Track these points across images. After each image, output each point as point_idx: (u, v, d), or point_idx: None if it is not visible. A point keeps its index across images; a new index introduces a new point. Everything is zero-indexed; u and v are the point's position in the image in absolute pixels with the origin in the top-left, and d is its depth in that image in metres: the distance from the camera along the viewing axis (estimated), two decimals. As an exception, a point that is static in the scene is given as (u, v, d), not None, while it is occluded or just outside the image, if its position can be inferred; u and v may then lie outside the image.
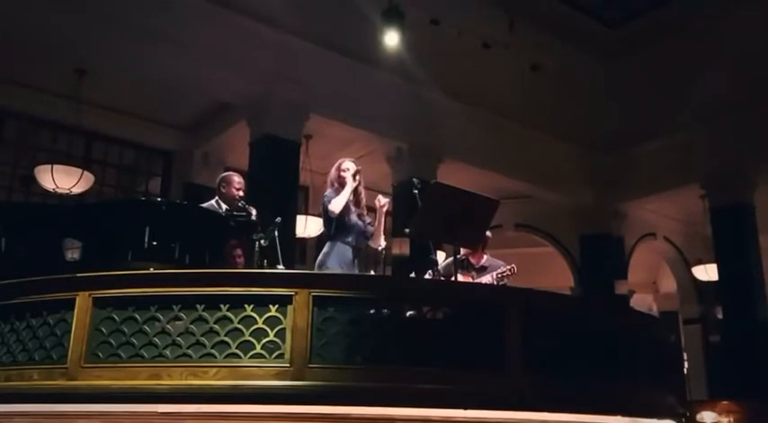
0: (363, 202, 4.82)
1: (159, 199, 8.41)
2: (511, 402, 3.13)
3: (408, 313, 3.43)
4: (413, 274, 5.61)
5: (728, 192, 10.02)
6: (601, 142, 11.10)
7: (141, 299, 3.17)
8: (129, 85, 8.51)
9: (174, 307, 3.13)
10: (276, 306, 3.10)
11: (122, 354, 3.11)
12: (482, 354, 3.22)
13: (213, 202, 5.14)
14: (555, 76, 10.23)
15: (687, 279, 12.66)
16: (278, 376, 2.99)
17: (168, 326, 3.10)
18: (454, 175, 8.52)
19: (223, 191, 5.17)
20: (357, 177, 4.70)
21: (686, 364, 12.49)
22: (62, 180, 7.78)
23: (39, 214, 4.79)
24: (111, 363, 3.10)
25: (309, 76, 8.24)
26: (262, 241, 4.71)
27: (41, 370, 3.21)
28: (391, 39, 7.91)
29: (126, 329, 3.13)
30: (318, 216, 6.23)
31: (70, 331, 3.18)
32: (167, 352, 3.06)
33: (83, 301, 3.21)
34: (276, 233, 4.79)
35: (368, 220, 4.81)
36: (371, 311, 3.25)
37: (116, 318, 3.16)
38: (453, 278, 4.53)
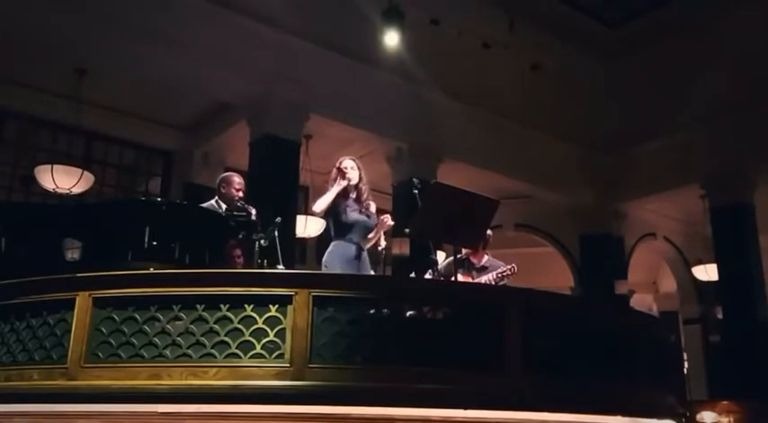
0: (366, 197, 4.78)
1: (159, 199, 8.42)
2: (511, 402, 3.13)
3: (408, 313, 3.43)
4: (413, 274, 5.61)
5: (728, 192, 10.02)
6: (601, 142, 11.10)
7: (141, 299, 3.18)
8: (129, 85, 8.52)
9: (174, 307, 3.13)
10: (276, 306, 3.10)
11: (122, 354, 3.11)
12: (482, 354, 3.21)
13: (213, 202, 5.15)
14: (555, 76, 10.24)
15: (687, 279, 12.66)
16: (278, 376, 2.99)
17: (168, 326, 3.10)
18: (454, 175, 8.52)
19: (223, 191, 5.17)
20: (349, 175, 4.69)
21: (686, 364, 12.48)
22: (62, 180, 7.78)
23: (39, 214, 4.79)
24: (111, 363, 3.10)
25: (309, 76, 8.24)
26: (262, 241, 4.71)
27: (41, 370, 3.21)
28: (391, 39, 7.91)
29: (126, 329, 3.13)
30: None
31: (70, 331, 3.18)
32: (167, 352, 3.06)
33: (83, 301, 3.21)
34: (276, 233, 4.79)
35: (374, 217, 4.79)
36: (371, 311, 3.25)
37: (116, 318, 3.16)
38: (453, 278, 4.52)
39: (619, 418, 3.48)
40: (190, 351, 3.05)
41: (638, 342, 3.80)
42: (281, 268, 4.72)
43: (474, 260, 5.58)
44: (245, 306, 3.10)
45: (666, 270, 13.50)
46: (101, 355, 3.13)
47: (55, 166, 7.79)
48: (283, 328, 3.06)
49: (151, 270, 3.68)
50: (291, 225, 7.69)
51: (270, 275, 3.52)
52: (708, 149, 10.11)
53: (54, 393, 3.11)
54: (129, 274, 3.43)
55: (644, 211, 11.84)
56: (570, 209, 11.38)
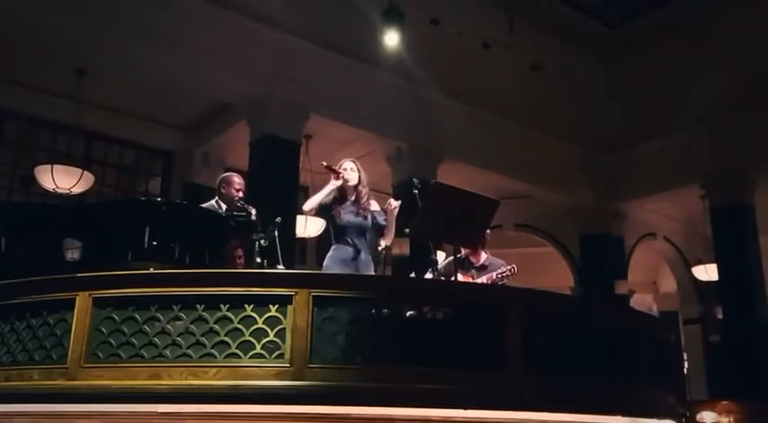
0: (365, 200, 4.78)
1: (159, 199, 8.42)
2: (511, 402, 3.13)
3: (408, 313, 3.43)
4: (413, 274, 5.60)
5: (728, 192, 10.02)
6: (601, 142, 11.10)
7: (141, 299, 3.17)
8: (129, 85, 8.52)
9: (174, 307, 3.13)
10: (276, 306, 3.09)
11: (122, 354, 3.10)
12: (482, 354, 3.21)
13: (213, 202, 5.15)
14: (555, 76, 10.24)
15: (687, 279, 12.66)
16: (278, 376, 2.99)
17: (168, 326, 3.10)
18: (454, 175, 8.53)
19: (223, 191, 5.18)
20: (348, 176, 4.71)
21: (686, 364, 12.49)
22: (62, 180, 7.78)
23: (39, 214, 4.79)
24: (111, 363, 3.10)
25: (309, 76, 8.24)
26: (262, 241, 4.71)
27: (41, 370, 3.21)
28: (391, 39, 7.91)
29: (126, 329, 3.13)
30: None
31: (70, 331, 3.18)
32: (167, 352, 3.06)
33: (83, 301, 3.21)
34: (276, 233, 4.79)
35: (379, 216, 4.79)
36: (371, 311, 3.25)
37: (116, 318, 3.16)
38: (453, 278, 4.52)
39: (619, 418, 3.48)
40: (190, 351, 3.05)
41: (638, 342, 3.80)
42: (281, 268, 4.73)
43: (473, 260, 5.57)
44: (245, 306, 3.10)
45: (666, 270, 13.50)
46: (101, 355, 3.13)
47: (55, 166, 7.79)
48: (283, 328, 3.06)
49: (151, 270, 3.68)
50: (291, 225, 7.69)
51: (270, 275, 3.52)
52: (708, 149, 10.11)
53: (54, 393, 3.11)
54: (129, 274, 3.43)
55: (644, 211, 11.84)
56: (570, 209, 11.38)
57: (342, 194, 4.74)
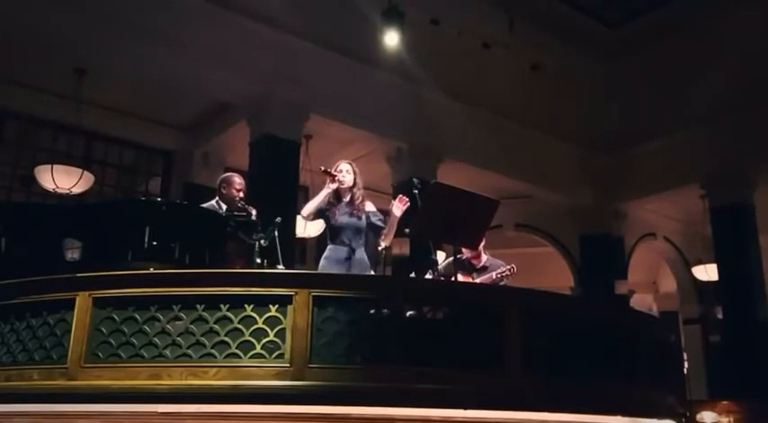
0: (360, 201, 4.80)
1: (159, 199, 8.41)
2: (511, 402, 3.13)
3: (408, 313, 3.42)
4: (413, 274, 5.61)
5: (728, 192, 10.02)
6: (601, 142, 11.09)
7: (141, 299, 3.18)
8: (129, 85, 8.52)
9: (174, 307, 3.13)
10: (276, 306, 3.10)
11: (122, 354, 3.11)
12: (482, 354, 3.22)
13: (213, 202, 5.16)
14: (555, 76, 10.23)
15: (687, 279, 12.66)
16: (278, 376, 2.99)
17: (168, 326, 3.10)
18: (454, 175, 8.52)
19: (223, 191, 5.18)
20: (343, 178, 4.74)
21: (686, 364, 12.48)
22: (62, 180, 7.78)
23: (39, 214, 4.79)
24: (111, 363, 3.10)
25: (309, 76, 8.23)
26: (262, 241, 4.71)
27: (41, 370, 3.21)
28: (391, 39, 7.91)
29: (126, 329, 3.13)
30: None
31: (70, 331, 3.18)
32: (167, 352, 3.06)
33: (83, 301, 3.21)
34: (276, 233, 4.79)
35: (374, 216, 4.80)
36: (371, 311, 3.25)
37: (116, 318, 3.16)
38: (453, 278, 4.52)
39: (619, 418, 3.48)
40: (190, 351, 3.05)
41: (638, 342, 3.80)
42: (281, 268, 4.73)
43: (473, 261, 5.57)
44: (245, 306, 3.10)
45: (666, 270, 13.50)
46: (101, 355, 3.13)
47: (55, 166, 7.79)
48: (283, 328, 3.06)
49: (151, 270, 3.68)
50: (291, 225, 7.68)
51: (270, 275, 3.52)
52: (708, 149, 10.11)
53: (54, 393, 3.11)
54: (129, 274, 3.43)
55: (644, 211, 11.84)
56: (570, 209, 11.38)
57: (337, 196, 4.79)
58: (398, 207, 4.63)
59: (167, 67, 7.81)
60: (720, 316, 10.95)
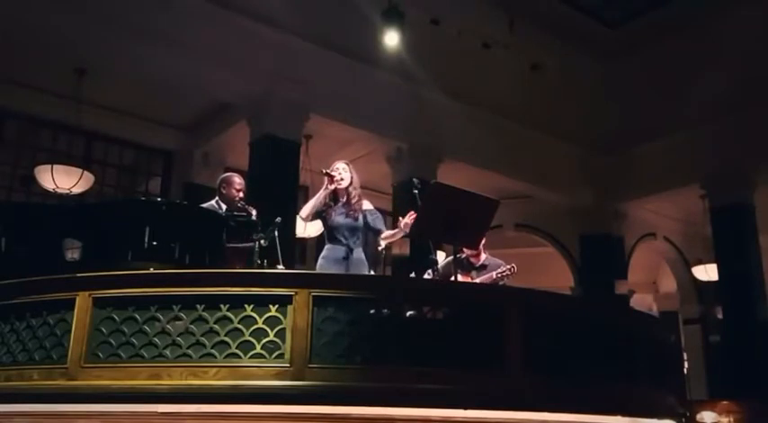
0: (356, 201, 4.80)
1: (159, 199, 8.41)
2: (511, 402, 3.13)
3: (408, 313, 3.43)
4: (413, 274, 5.61)
5: (728, 192, 10.02)
6: (601, 142, 11.09)
7: (141, 299, 3.18)
8: (129, 85, 8.51)
9: (174, 307, 3.13)
10: (276, 306, 3.10)
11: (122, 354, 3.11)
12: (482, 354, 3.22)
13: (213, 202, 5.16)
14: (555, 76, 10.23)
15: (687, 279, 12.66)
16: (278, 376, 2.99)
17: (168, 326, 3.10)
18: (454, 175, 8.52)
19: (223, 191, 5.18)
20: (337, 177, 4.75)
21: (686, 364, 12.48)
22: (62, 180, 7.78)
23: (39, 214, 4.79)
24: (111, 363, 3.10)
25: (309, 76, 8.23)
26: (262, 241, 4.72)
27: (41, 370, 3.21)
28: (391, 39, 7.90)
29: (126, 329, 3.13)
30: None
31: (70, 331, 3.18)
32: (167, 352, 3.06)
33: (83, 301, 3.21)
34: (276, 233, 4.80)
35: (371, 215, 4.80)
36: (371, 311, 3.25)
37: (116, 318, 3.16)
38: (453, 278, 4.53)
39: (619, 418, 3.48)
40: (190, 351, 3.05)
41: (638, 342, 3.80)
42: (281, 268, 4.73)
43: (473, 259, 5.58)
44: (245, 306, 3.10)
45: (666, 270, 13.50)
46: (101, 355, 3.13)
47: (55, 166, 7.79)
48: (283, 328, 3.06)
49: (151, 270, 3.68)
50: (291, 225, 7.68)
51: (270, 275, 3.52)
52: (708, 149, 10.11)
53: (54, 393, 3.11)
54: (129, 274, 3.43)
55: (644, 211, 11.84)
56: (570, 209, 11.38)
57: (334, 196, 4.80)
58: (407, 224, 4.63)
59: (167, 67, 7.81)
60: (720, 316, 10.95)
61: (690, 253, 12.49)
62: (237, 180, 5.22)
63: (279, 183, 8.03)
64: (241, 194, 5.14)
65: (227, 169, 8.10)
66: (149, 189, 9.95)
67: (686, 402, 9.45)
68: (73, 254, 4.30)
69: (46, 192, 8.00)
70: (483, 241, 5.45)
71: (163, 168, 9.98)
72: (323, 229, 4.90)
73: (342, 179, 4.78)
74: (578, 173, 11.04)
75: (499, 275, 5.38)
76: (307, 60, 8.26)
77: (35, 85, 8.39)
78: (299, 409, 2.99)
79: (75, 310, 3.20)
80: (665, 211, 12.18)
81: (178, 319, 3.11)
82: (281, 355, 3.02)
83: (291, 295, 3.09)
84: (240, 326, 3.07)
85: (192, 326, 3.09)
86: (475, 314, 3.34)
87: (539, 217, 11.85)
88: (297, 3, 8.12)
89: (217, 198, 5.19)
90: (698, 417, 9.06)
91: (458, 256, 4.84)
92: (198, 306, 3.11)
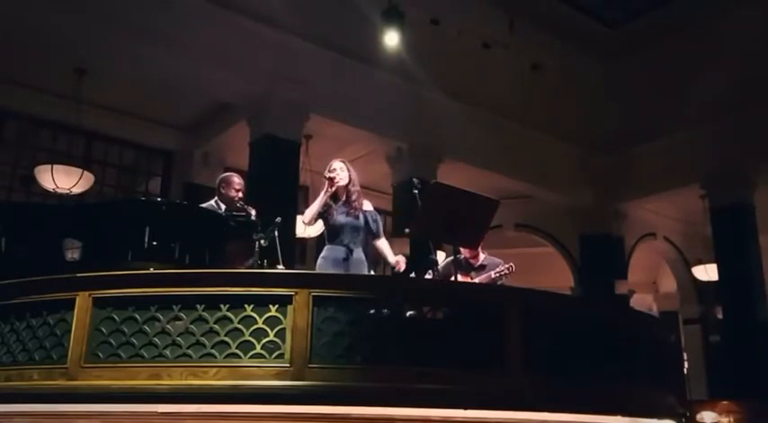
0: (356, 199, 4.78)
1: (159, 199, 8.41)
2: (511, 402, 3.13)
3: (408, 313, 3.42)
4: (413, 274, 5.61)
5: (728, 192, 10.02)
6: (601, 142, 11.10)
7: (141, 299, 3.17)
8: (129, 85, 8.51)
9: (174, 307, 3.13)
10: (276, 306, 3.09)
11: (122, 354, 3.10)
12: (482, 354, 3.21)
13: (213, 202, 5.15)
14: (555, 76, 10.24)
15: (687, 279, 12.66)
16: (278, 376, 2.99)
17: (168, 326, 3.10)
18: (454, 175, 8.52)
19: (223, 191, 5.17)
20: (338, 176, 4.72)
21: (686, 364, 12.48)
22: (62, 180, 7.78)
23: (39, 214, 4.79)
24: (111, 363, 3.10)
25: (309, 76, 8.24)
26: (262, 241, 4.71)
27: (41, 370, 3.21)
28: (391, 39, 7.91)
29: (126, 329, 3.13)
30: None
31: (70, 331, 3.18)
32: (167, 352, 3.06)
33: (83, 301, 3.21)
34: (276, 233, 4.79)
35: (371, 216, 4.80)
36: (371, 311, 3.25)
37: (116, 318, 3.16)
38: (453, 278, 4.52)
39: (619, 418, 3.48)
40: (190, 351, 3.05)
41: (638, 342, 3.80)
42: (281, 268, 4.73)
43: (472, 260, 5.57)
44: (245, 306, 3.10)
45: (666, 270, 13.50)
46: (101, 355, 3.13)
47: (55, 166, 7.79)
48: (283, 328, 3.06)
49: (151, 270, 3.67)
50: (291, 225, 7.68)
51: (270, 275, 3.52)
52: (708, 149, 10.11)
53: (54, 393, 3.11)
54: (129, 274, 3.43)
55: (644, 211, 11.84)
56: (570, 209, 11.38)
57: (334, 195, 4.76)
58: (398, 263, 4.71)
59: (167, 67, 7.81)
60: (720, 316, 10.95)
61: (690, 253, 12.49)
62: (237, 180, 5.21)
63: (279, 183, 8.03)
64: (240, 194, 5.12)
65: (227, 169, 8.10)
66: (149, 189, 9.96)
67: (686, 402, 9.45)
68: (73, 254, 4.30)
69: (46, 192, 8.00)
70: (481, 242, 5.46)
71: (163, 168, 9.98)
72: (323, 228, 4.89)
73: (340, 179, 4.76)
74: (578, 173, 11.05)
75: (497, 275, 5.37)
76: (307, 60, 8.26)
77: (35, 85, 8.39)
78: (299, 409, 2.98)
79: (75, 310, 3.20)
80: (665, 211, 12.19)
81: (178, 319, 3.11)
82: (281, 355, 3.02)
83: (291, 295, 3.09)
84: (240, 326, 3.07)
85: (191, 326, 3.09)
86: (475, 314, 3.34)
87: (539, 217, 11.85)
88: (297, 3, 8.12)
89: (216, 198, 5.18)
90: (698, 417, 9.06)
91: (457, 256, 4.84)
92: (198, 306, 3.11)
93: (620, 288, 11.16)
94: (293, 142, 8.32)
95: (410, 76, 8.85)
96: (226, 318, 3.08)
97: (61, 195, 7.86)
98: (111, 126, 9.14)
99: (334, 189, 4.71)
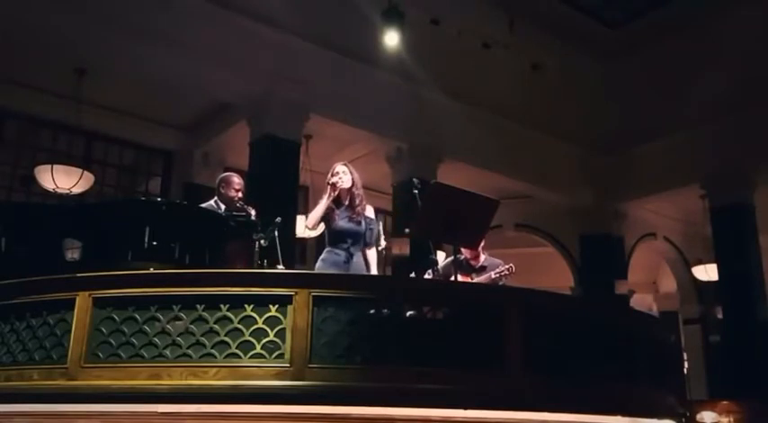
0: (359, 202, 4.74)
1: (159, 199, 8.41)
2: (511, 402, 3.13)
3: (408, 313, 3.42)
4: (413, 274, 5.60)
5: (728, 192, 10.02)
6: (601, 142, 11.10)
7: (141, 299, 3.17)
8: (129, 85, 8.51)
9: (174, 307, 3.13)
10: (276, 306, 3.09)
11: (122, 354, 3.10)
12: (482, 354, 3.21)
13: (212, 202, 5.14)
14: (555, 77, 10.24)
15: (687, 279, 12.66)
16: (278, 376, 2.99)
17: (168, 326, 3.10)
18: (454, 175, 8.52)
19: (222, 191, 5.17)
20: (341, 180, 4.68)
21: (686, 364, 12.48)
22: (62, 180, 7.77)
23: (39, 214, 4.79)
24: (111, 363, 3.10)
25: (309, 76, 8.24)
26: (262, 241, 4.71)
27: (41, 370, 3.21)
28: (391, 39, 7.91)
29: (126, 329, 3.13)
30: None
31: (70, 331, 3.18)
32: (167, 352, 3.06)
33: (83, 301, 3.21)
34: (276, 233, 4.79)
35: (371, 225, 4.77)
36: (371, 311, 3.25)
37: (116, 318, 3.16)
38: (453, 278, 4.52)
39: (619, 418, 3.47)
40: (190, 351, 3.05)
41: (638, 342, 3.80)
42: (281, 268, 4.72)
43: (472, 261, 5.57)
44: (245, 306, 3.09)
45: (666, 270, 13.50)
46: (101, 355, 3.13)
47: (55, 166, 7.79)
48: (283, 328, 3.05)
49: (151, 270, 3.67)
50: (291, 225, 7.68)
51: (270, 275, 3.52)
52: (708, 149, 10.12)
53: (54, 393, 3.11)
54: (129, 274, 3.43)
55: (644, 211, 11.84)
56: (570, 209, 11.38)
57: (336, 199, 4.72)
58: None
59: (167, 67, 7.81)
60: (720, 316, 10.95)
61: (690, 253, 12.50)
62: (236, 180, 5.20)
63: (279, 183, 8.03)
64: (240, 194, 5.12)
65: (227, 169, 8.11)
66: (149, 189, 9.95)
67: (686, 402, 9.46)
68: (73, 254, 4.30)
69: (46, 192, 8.00)
70: (482, 243, 5.46)
71: (163, 168, 9.98)
72: (323, 229, 4.87)
73: (343, 182, 4.71)
74: (578, 173, 11.05)
75: (497, 275, 5.37)
76: (307, 60, 8.26)
77: (35, 85, 8.39)
78: (299, 409, 2.98)
79: (75, 310, 3.20)
80: (665, 211, 12.19)
81: (178, 319, 3.11)
82: (281, 355, 3.02)
83: (291, 295, 3.09)
84: (240, 326, 3.07)
85: (191, 326, 3.09)
86: (475, 314, 3.33)
87: (539, 217, 11.85)
88: (297, 3, 8.12)
89: (216, 198, 5.17)
90: (698, 417, 9.06)
91: (457, 256, 4.83)
92: (198, 306, 3.11)
93: (620, 288, 11.16)
94: (293, 142, 8.32)
95: (410, 76, 8.85)
96: (226, 318, 3.08)
97: (61, 195, 7.86)
98: (111, 126, 9.14)
99: (336, 193, 4.69)
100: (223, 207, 5.08)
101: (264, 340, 3.04)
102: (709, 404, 9.51)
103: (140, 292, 3.19)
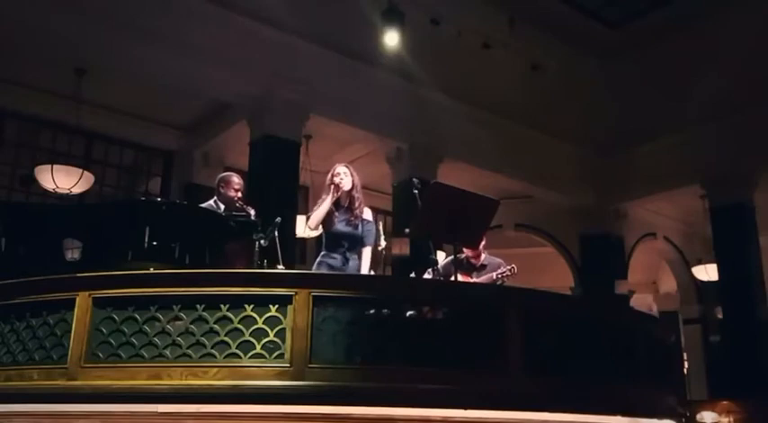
0: (358, 205, 4.73)
1: (159, 199, 8.41)
2: (511, 402, 3.13)
3: (408, 313, 3.42)
4: (413, 274, 5.60)
5: (728, 192, 10.03)
6: (601, 142, 11.10)
7: (141, 299, 3.17)
8: (129, 85, 8.51)
9: (174, 307, 3.13)
10: (276, 306, 3.09)
11: (122, 354, 3.10)
12: (482, 354, 3.21)
13: (212, 202, 5.13)
14: (555, 76, 10.24)
15: (687, 279, 12.67)
16: (278, 376, 2.98)
17: (168, 326, 3.10)
18: (454, 175, 8.53)
19: (222, 191, 5.16)
20: (342, 181, 4.67)
21: (686, 364, 12.48)
22: (62, 180, 7.77)
23: (39, 214, 4.79)
24: (111, 363, 3.10)
25: (309, 76, 8.24)
26: (262, 241, 4.70)
27: (41, 370, 3.21)
28: (391, 39, 7.91)
29: (126, 329, 3.13)
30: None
31: (70, 331, 3.18)
32: (167, 352, 3.06)
33: (83, 301, 3.21)
34: (276, 233, 4.78)
35: (368, 227, 4.75)
36: (371, 311, 3.25)
37: (116, 318, 3.16)
38: (453, 278, 4.52)
39: (619, 418, 3.47)
40: (190, 351, 3.05)
41: (637, 342, 3.80)
42: (281, 268, 4.72)
43: (473, 260, 5.57)
44: (245, 306, 3.09)
45: (666, 270, 13.51)
46: (101, 355, 3.12)
47: (55, 166, 7.79)
48: (283, 328, 3.05)
49: (151, 270, 3.67)
50: (291, 225, 7.69)
51: (270, 275, 3.51)
52: (708, 149, 10.12)
53: (54, 393, 3.11)
54: (129, 274, 3.43)
55: (644, 211, 11.85)
56: (570, 209, 11.39)
57: (336, 201, 4.72)
58: None
59: (167, 67, 7.81)
60: (720, 316, 10.95)
61: (690, 253, 12.50)
62: (236, 180, 5.19)
63: (279, 183, 8.03)
64: (239, 194, 5.11)
65: (227, 169, 8.10)
66: (149, 189, 9.95)
67: (686, 402, 9.46)
68: (73, 254, 4.30)
69: (46, 192, 8.00)
70: (483, 242, 5.46)
71: (163, 168, 9.98)
72: (322, 231, 4.87)
73: (344, 184, 4.70)
74: (578, 173, 11.05)
75: (499, 276, 5.37)
76: (307, 60, 8.26)
77: (35, 85, 8.39)
78: (299, 409, 2.98)
79: (75, 310, 3.20)
80: (665, 211, 12.19)
81: (178, 319, 3.11)
82: (281, 355, 3.02)
83: (291, 295, 3.09)
84: (240, 326, 3.07)
85: (192, 326, 3.08)
86: (475, 314, 3.33)
87: (539, 217, 11.85)
88: (297, 3, 8.12)
89: (215, 198, 5.17)
90: (698, 417, 9.07)
91: (458, 256, 4.83)
92: (198, 306, 3.11)
93: (620, 288, 11.17)
94: (293, 142, 8.32)
95: (410, 76, 8.85)
96: (226, 318, 3.08)
97: (61, 195, 7.86)
98: (111, 126, 9.13)
99: (339, 194, 4.69)
100: (222, 207, 5.07)
101: (264, 340, 3.04)
102: (709, 404, 9.53)
103: (140, 292, 3.19)
